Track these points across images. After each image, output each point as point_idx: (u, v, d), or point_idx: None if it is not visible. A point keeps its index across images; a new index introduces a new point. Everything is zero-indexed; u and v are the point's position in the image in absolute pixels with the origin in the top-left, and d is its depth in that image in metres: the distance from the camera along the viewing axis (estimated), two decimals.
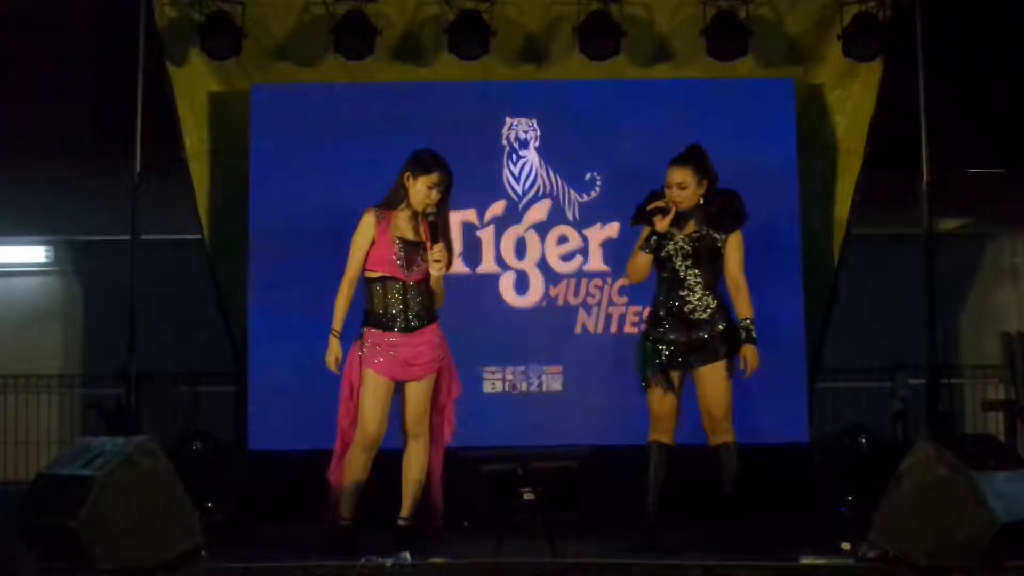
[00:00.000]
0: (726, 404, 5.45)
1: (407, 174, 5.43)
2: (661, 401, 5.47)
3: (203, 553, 5.03)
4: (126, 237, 6.63)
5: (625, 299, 6.86)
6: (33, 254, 10.37)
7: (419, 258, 5.42)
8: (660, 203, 5.42)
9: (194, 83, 7.14)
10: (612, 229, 6.88)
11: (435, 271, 5.41)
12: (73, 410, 9.80)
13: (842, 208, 7.15)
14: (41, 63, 9.45)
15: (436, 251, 5.37)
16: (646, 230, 5.50)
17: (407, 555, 5.02)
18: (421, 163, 5.42)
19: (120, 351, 6.46)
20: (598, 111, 6.98)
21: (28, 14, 9.07)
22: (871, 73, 7.05)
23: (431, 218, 5.41)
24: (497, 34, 6.94)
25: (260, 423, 6.78)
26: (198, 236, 7.17)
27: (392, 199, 5.47)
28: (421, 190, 5.38)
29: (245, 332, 6.91)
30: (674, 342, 5.46)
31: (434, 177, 5.38)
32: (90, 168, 9.16)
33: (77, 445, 5.22)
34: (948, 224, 9.37)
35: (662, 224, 5.38)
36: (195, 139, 7.15)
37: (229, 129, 7.12)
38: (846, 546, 5.08)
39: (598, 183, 6.95)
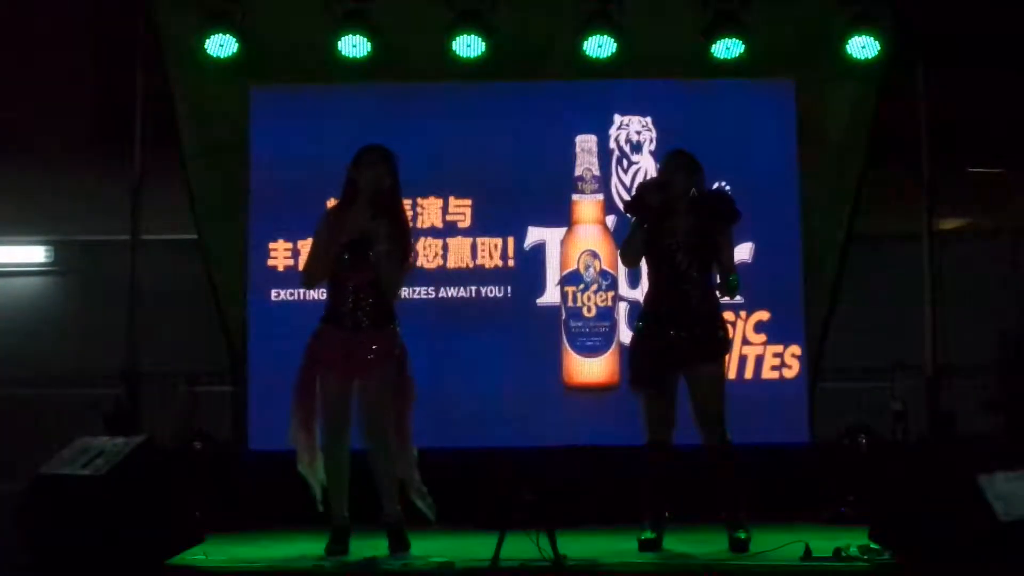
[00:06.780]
0: (722, 402, 5.41)
1: (351, 167, 5.40)
2: (657, 403, 5.43)
3: (203, 554, 5.03)
4: (126, 237, 6.63)
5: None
6: (33, 254, 10.36)
7: (367, 258, 5.31)
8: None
9: (194, 83, 7.14)
10: None
11: (375, 251, 5.23)
12: (73, 410, 9.78)
13: (842, 208, 7.16)
14: (40, 63, 9.44)
15: (377, 224, 5.21)
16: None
17: (407, 555, 5.02)
18: (359, 152, 5.39)
19: (120, 351, 6.45)
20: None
21: (27, 14, 9.06)
22: (871, 73, 7.05)
23: (380, 196, 5.30)
24: (497, 34, 6.94)
25: (260, 423, 6.78)
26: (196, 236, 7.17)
27: (346, 197, 5.42)
28: (366, 172, 5.33)
29: (244, 332, 6.91)
30: (676, 339, 5.42)
31: (373, 155, 5.36)
32: (90, 168, 9.14)
33: (77, 445, 5.21)
34: (948, 224, 9.37)
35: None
36: (194, 139, 7.15)
37: (229, 129, 7.12)
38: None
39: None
